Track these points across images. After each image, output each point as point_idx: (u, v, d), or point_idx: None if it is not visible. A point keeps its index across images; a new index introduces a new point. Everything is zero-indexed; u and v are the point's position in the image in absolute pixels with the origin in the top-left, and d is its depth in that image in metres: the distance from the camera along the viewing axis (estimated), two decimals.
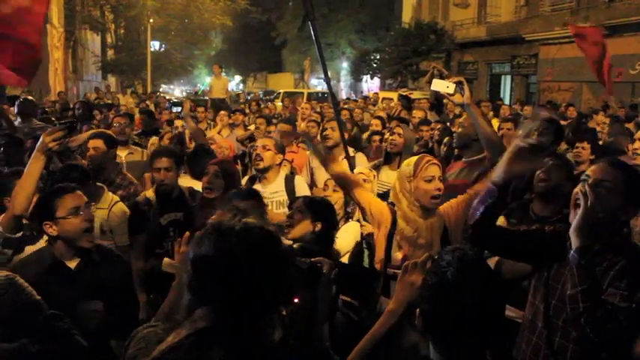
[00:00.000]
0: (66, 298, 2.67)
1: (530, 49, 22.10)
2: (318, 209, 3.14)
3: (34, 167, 3.07)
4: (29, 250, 3.16)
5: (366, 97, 19.39)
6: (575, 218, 2.21)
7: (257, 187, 4.40)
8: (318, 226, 3.07)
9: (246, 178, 4.69)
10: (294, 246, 1.84)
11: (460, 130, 4.21)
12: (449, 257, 1.66)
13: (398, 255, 3.23)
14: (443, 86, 3.42)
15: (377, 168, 4.94)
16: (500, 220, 3.49)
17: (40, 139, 3.08)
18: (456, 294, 1.61)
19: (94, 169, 4.29)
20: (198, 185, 4.23)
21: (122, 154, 5.43)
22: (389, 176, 4.70)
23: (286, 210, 4.24)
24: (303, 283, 1.73)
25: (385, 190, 4.52)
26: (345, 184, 3.52)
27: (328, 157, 3.58)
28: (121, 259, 3.16)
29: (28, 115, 6.76)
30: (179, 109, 5.93)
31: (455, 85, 3.39)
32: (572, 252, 2.18)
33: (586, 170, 2.41)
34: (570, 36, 19.33)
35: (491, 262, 3.11)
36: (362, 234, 3.92)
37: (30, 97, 7.92)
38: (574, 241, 2.19)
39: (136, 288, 3.62)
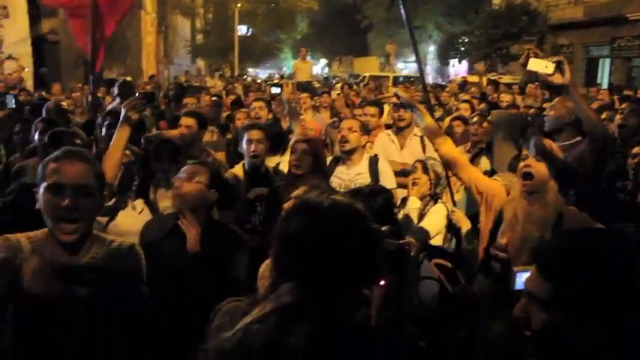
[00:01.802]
0: (177, 265, 2.80)
1: (634, 29, 20.67)
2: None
3: (119, 137, 3.24)
4: (122, 215, 3.30)
5: (451, 82, 18.91)
6: None
7: (341, 168, 4.39)
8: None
9: (329, 158, 4.68)
10: (383, 228, 1.77)
11: (552, 113, 3.99)
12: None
13: (502, 240, 3.10)
14: (541, 66, 3.24)
15: (477, 156, 4.79)
16: None
17: (122, 111, 3.24)
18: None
19: (183, 145, 4.41)
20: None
21: None
22: (485, 166, 4.55)
23: None
24: (390, 265, 1.69)
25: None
26: (450, 163, 3.49)
27: (436, 135, 3.53)
28: (237, 234, 3.17)
29: (128, 96, 7.00)
30: (278, 90, 5.91)
31: (554, 64, 3.21)
32: None
33: None
34: None
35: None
36: (450, 219, 3.84)
37: (129, 79, 8.25)
38: None
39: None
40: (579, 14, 23.41)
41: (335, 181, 4.32)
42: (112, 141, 3.29)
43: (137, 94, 3.38)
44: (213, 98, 7.85)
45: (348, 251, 1.46)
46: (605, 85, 19.85)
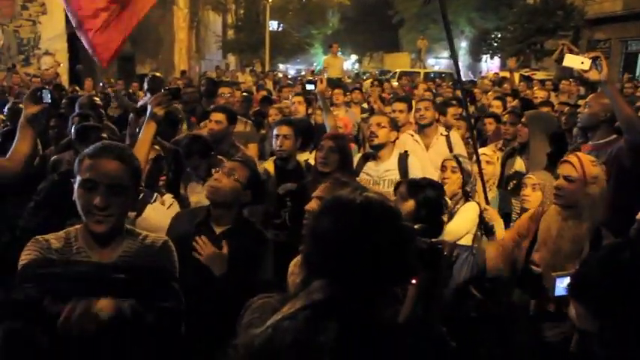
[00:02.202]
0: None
1: None
2: (422, 192, 2.99)
3: (146, 133, 3.21)
4: (150, 209, 3.34)
5: (483, 78, 18.64)
6: None
7: (370, 165, 4.36)
8: (423, 211, 2.94)
9: (359, 155, 4.66)
10: (416, 227, 1.75)
11: (587, 110, 3.89)
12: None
13: (536, 255, 3.09)
14: (577, 62, 3.18)
15: (510, 155, 4.71)
16: None
17: (149, 108, 3.24)
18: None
19: (213, 141, 4.44)
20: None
21: None
22: (519, 166, 4.48)
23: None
24: (422, 264, 1.66)
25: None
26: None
27: None
28: (262, 234, 3.14)
29: (158, 91, 7.07)
30: (312, 87, 5.87)
31: (590, 60, 3.14)
32: None
33: None
34: None
35: None
36: (482, 217, 3.78)
37: (158, 74, 8.32)
38: None
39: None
40: (618, 8, 22.84)
41: (363, 178, 4.30)
42: (139, 138, 3.29)
43: (163, 90, 3.38)
44: (244, 94, 7.87)
45: (379, 249, 1.45)
46: None
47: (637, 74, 22.72)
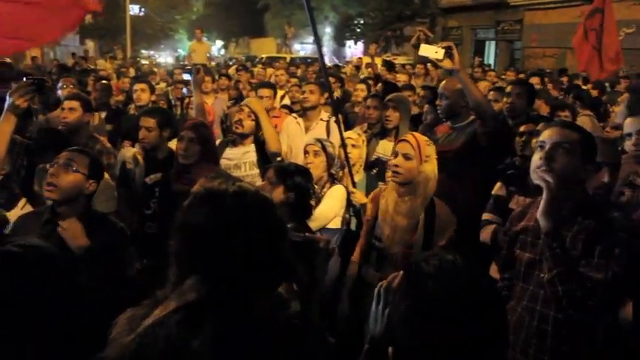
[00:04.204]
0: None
1: (515, 14, 21.92)
2: (290, 178, 3.00)
3: (4, 128, 2.96)
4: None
5: (348, 63, 19.13)
6: (541, 202, 2.23)
7: (228, 150, 4.36)
8: (292, 196, 2.97)
9: (218, 141, 4.62)
10: (289, 225, 1.70)
11: (445, 101, 4.11)
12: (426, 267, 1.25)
13: (378, 231, 3.29)
14: (431, 51, 3.35)
15: (374, 137, 4.85)
16: (498, 187, 3.48)
17: (8, 99, 2.96)
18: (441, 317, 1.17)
19: (68, 132, 4.16)
20: None
21: None
22: (385, 148, 4.64)
23: (257, 171, 4.23)
24: (299, 259, 1.62)
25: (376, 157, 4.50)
26: None
27: None
28: (116, 225, 2.97)
29: (4, 80, 6.53)
30: (189, 76, 5.67)
31: (444, 50, 3.33)
32: (542, 236, 2.19)
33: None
34: (556, 1, 19.32)
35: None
36: (349, 200, 3.88)
37: (8, 61, 7.64)
38: (543, 225, 2.20)
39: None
40: None
41: (224, 163, 4.29)
42: None
43: (26, 80, 3.07)
44: (102, 82, 7.45)
45: (253, 241, 1.38)
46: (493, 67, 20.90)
47: (485, 60, 24.52)
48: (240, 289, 1.37)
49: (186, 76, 6.00)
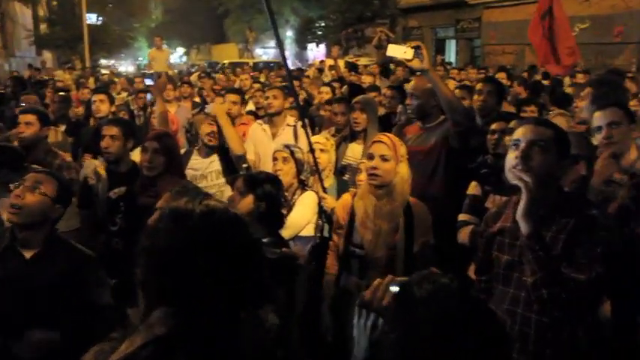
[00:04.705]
0: (18, 290, 2.47)
1: (474, 12, 22.21)
2: (260, 187, 2.93)
3: None
4: None
5: (310, 66, 19.07)
6: (520, 204, 2.17)
7: (193, 159, 4.26)
8: (263, 205, 2.89)
9: (182, 151, 4.50)
10: (264, 240, 1.59)
11: (416, 101, 4.06)
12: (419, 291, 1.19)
13: (357, 237, 3.22)
14: (400, 52, 3.31)
15: (343, 141, 4.78)
16: (473, 186, 3.44)
17: None
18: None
19: (24, 147, 4.00)
20: None
21: None
22: (354, 151, 4.58)
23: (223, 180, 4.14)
24: (274, 277, 1.49)
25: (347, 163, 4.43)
26: None
27: None
28: (82, 253, 2.81)
29: None
30: (151, 81, 5.46)
31: (413, 50, 3.29)
32: (523, 238, 2.15)
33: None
34: None
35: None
36: (320, 206, 3.80)
37: None
38: (524, 227, 2.15)
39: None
40: None
41: (189, 173, 4.19)
42: None
43: None
44: (60, 93, 7.22)
45: (225, 264, 1.27)
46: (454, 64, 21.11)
47: (447, 59, 24.77)
48: (212, 318, 1.25)
49: (148, 81, 5.81)
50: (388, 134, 3.33)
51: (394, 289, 1.34)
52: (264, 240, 1.58)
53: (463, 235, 3.40)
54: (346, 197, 3.44)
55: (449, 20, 24.04)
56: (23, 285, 2.50)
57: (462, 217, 3.49)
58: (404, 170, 3.18)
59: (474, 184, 3.51)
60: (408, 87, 4.22)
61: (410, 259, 3.13)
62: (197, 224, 1.29)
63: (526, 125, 2.29)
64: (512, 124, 3.44)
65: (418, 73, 3.94)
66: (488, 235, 2.45)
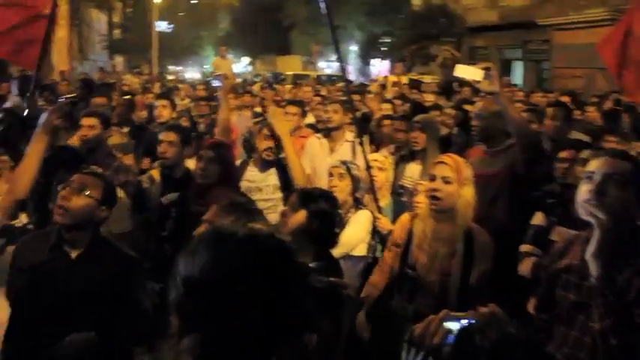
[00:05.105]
0: (61, 288, 2.50)
1: (543, 34, 21.59)
2: (314, 203, 2.80)
3: (37, 148, 2.95)
4: None
5: (373, 81, 18.95)
6: (592, 242, 1.99)
7: (251, 170, 4.19)
8: (316, 223, 2.78)
9: (238, 161, 4.46)
10: (311, 265, 1.48)
11: (482, 122, 3.91)
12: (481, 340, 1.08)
13: (413, 259, 3.09)
14: (469, 72, 3.21)
15: (402, 160, 4.66)
16: (538, 217, 3.27)
17: (44, 118, 2.95)
18: None
19: (87, 150, 4.07)
20: None
21: None
22: (413, 171, 4.45)
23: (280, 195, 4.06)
24: (321, 309, 1.39)
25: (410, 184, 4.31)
26: None
27: None
28: (126, 255, 2.84)
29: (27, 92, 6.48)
30: (219, 83, 5.42)
31: (483, 71, 3.17)
32: (593, 279, 1.97)
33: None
34: (585, 21, 18.99)
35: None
36: (374, 225, 3.70)
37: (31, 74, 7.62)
38: (594, 268, 1.96)
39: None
40: (494, 17, 24.21)
41: (245, 185, 4.12)
42: (29, 152, 3.00)
43: (63, 98, 3.11)
44: (125, 97, 7.40)
45: (265, 292, 1.17)
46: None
47: (512, 80, 24.21)
48: (246, 352, 1.16)
49: (216, 83, 5.77)
50: (453, 155, 3.18)
51: (449, 326, 1.24)
52: (312, 264, 1.46)
53: (525, 267, 3.23)
54: (406, 217, 3.32)
55: (516, 41, 23.51)
56: (67, 283, 2.54)
57: (524, 247, 3.31)
58: (468, 194, 3.00)
59: (539, 214, 3.33)
60: (474, 108, 4.06)
61: (464, 288, 2.97)
62: (238, 248, 1.20)
63: (602, 157, 2.12)
64: (584, 153, 3.24)
65: (482, 94, 3.79)
66: (553, 271, 2.28)
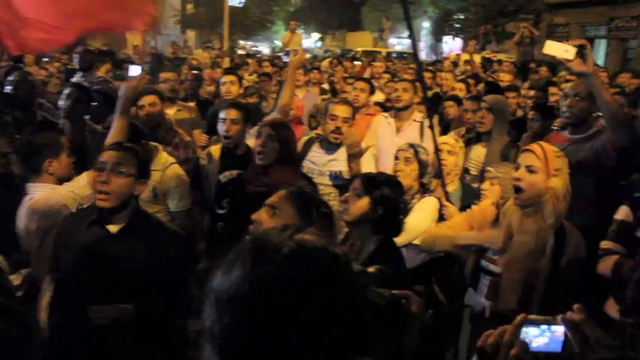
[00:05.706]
0: (102, 264, 2.53)
1: (632, 10, 20.25)
2: (378, 189, 2.67)
3: (122, 123, 3.04)
4: None
5: (445, 59, 18.35)
6: None
7: (316, 150, 4.03)
8: (380, 210, 2.62)
9: (304, 139, 4.29)
10: (370, 270, 1.29)
11: (576, 103, 3.58)
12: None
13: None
14: (560, 50, 2.91)
15: (468, 143, 4.40)
16: (623, 211, 2.97)
17: (123, 94, 3.05)
18: None
19: (149, 127, 4.05)
20: None
21: (170, 111, 5.17)
22: (478, 154, 4.20)
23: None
24: (381, 328, 1.19)
25: (473, 167, 4.06)
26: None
27: None
28: (167, 229, 2.86)
29: (89, 69, 6.57)
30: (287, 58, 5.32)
31: (576, 49, 2.87)
32: None
33: None
34: None
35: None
36: (441, 213, 3.49)
37: (93, 48, 7.73)
38: None
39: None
40: None
41: (307, 166, 3.96)
42: (115, 128, 3.13)
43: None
44: (193, 72, 7.39)
45: (319, 317, 0.98)
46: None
47: (594, 59, 22.95)
48: None
49: (285, 59, 5.66)
50: (542, 143, 2.90)
51: (529, 332, 1.09)
52: (371, 269, 1.28)
53: (605, 266, 2.94)
54: (490, 206, 3.07)
55: (601, 18, 22.16)
56: (108, 258, 2.55)
57: (605, 244, 3.01)
58: (559, 186, 2.73)
59: (624, 208, 3.01)
60: (567, 87, 3.73)
61: (551, 290, 2.71)
62: (280, 269, 1.00)
63: None
64: None
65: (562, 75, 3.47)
66: None
